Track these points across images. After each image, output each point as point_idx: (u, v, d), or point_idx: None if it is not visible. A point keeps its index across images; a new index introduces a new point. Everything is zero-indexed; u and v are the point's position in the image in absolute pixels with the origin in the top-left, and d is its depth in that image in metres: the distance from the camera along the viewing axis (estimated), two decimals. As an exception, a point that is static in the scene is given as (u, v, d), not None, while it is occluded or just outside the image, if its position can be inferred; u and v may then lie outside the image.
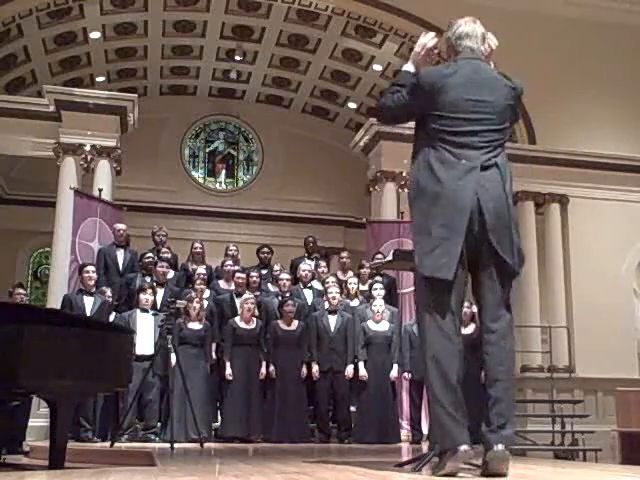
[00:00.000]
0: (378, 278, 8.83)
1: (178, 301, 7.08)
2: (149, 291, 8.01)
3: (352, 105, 15.18)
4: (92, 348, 4.39)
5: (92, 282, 8.07)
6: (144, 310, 7.93)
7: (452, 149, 3.16)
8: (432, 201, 3.13)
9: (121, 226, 9.30)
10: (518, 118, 3.44)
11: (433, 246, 3.09)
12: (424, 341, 3.12)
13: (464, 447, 2.94)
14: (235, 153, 16.42)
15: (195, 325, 7.80)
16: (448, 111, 3.18)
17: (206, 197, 15.76)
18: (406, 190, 12.00)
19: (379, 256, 8.72)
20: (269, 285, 9.11)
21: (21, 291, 7.93)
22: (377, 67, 13.74)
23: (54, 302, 9.49)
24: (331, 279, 8.55)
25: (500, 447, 2.95)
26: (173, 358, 6.89)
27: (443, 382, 3.02)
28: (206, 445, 6.82)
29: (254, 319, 8.07)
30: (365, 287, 8.99)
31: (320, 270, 9.22)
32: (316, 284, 9.02)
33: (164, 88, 15.37)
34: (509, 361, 3.12)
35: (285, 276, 8.75)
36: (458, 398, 3.02)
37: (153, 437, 7.64)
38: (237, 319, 8.04)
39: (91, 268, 8.21)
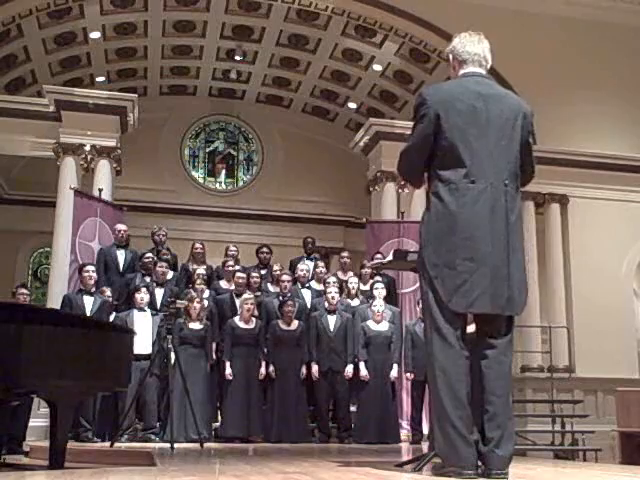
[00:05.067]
0: (378, 278, 8.83)
1: (178, 301, 7.09)
2: (143, 290, 8.02)
3: (352, 105, 15.18)
4: (92, 348, 4.40)
5: (92, 282, 8.06)
6: (141, 309, 7.94)
7: (459, 177, 3.11)
8: (447, 233, 3.07)
9: (122, 227, 9.30)
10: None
11: (462, 280, 3.05)
12: (431, 355, 3.09)
13: (470, 472, 2.93)
14: (235, 153, 16.42)
15: (196, 325, 7.80)
16: (456, 132, 3.12)
17: (206, 197, 15.77)
18: (406, 190, 12.08)
19: (379, 256, 8.72)
20: (269, 285, 9.11)
21: (24, 291, 7.93)
22: (377, 67, 13.74)
23: (54, 302, 9.49)
24: (332, 279, 8.55)
25: (499, 472, 2.96)
26: (173, 358, 6.89)
27: (452, 395, 2.99)
28: (206, 445, 6.82)
29: (253, 319, 8.07)
30: (366, 287, 8.99)
31: (318, 270, 9.21)
32: (315, 284, 9.02)
33: (164, 88, 15.37)
34: (507, 375, 3.11)
35: (286, 277, 8.74)
36: (467, 413, 2.99)
37: (153, 437, 7.63)
38: (236, 319, 8.03)
39: (91, 268, 8.21)
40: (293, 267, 9.52)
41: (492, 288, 3.05)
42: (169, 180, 15.42)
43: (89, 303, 7.91)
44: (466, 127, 3.13)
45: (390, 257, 4.16)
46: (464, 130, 3.13)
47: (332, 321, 8.17)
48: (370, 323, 8.15)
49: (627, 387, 9.41)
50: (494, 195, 3.09)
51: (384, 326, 8.16)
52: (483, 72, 3.31)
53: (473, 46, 3.30)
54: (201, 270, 8.68)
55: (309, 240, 10.15)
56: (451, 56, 3.36)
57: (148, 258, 8.87)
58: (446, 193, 3.11)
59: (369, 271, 9.15)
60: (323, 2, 12.28)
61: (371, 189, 12.83)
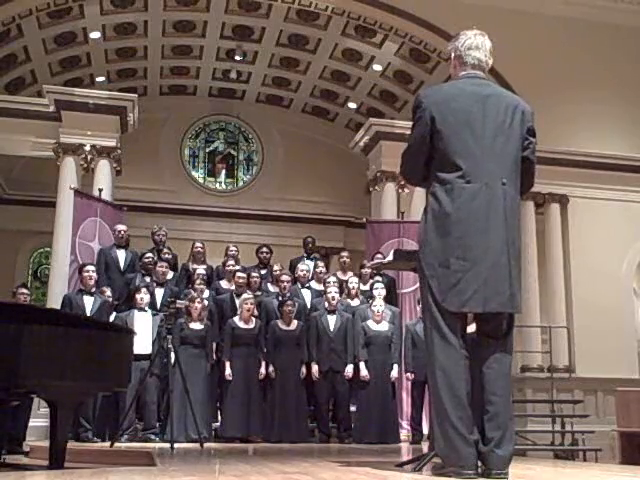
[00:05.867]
0: (378, 278, 8.83)
1: (178, 301, 7.09)
2: (144, 290, 8.03)
3: (352, 105, 15.18)
4: (92, 348, 4.39)
5: (92, 282, 8.07)
6: (141, 309, 7.94)
7: (455, 178, 3.12)
8: (443, 233, 3.09)
9: (121, 227, 9.30)
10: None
11: (456, 280, 3.06)
12: (432, 355, 3.10)
13: (469, 472, 2.94)
14: (235, 153, 16.42)
15: (196, 325, 7.80)
16: (452, 134, 3.14)
17: (206, 197, 15.77)
18: (406, 190, 12.08)
19: (379, 256, 8.71)
20: (269, 285, 9.12)
21: (24, 291, 7.92)
22: (377, 67, 13.74)
23: (54, 302, 9.49)
24: (332, 279, 8.55)
25: (499, 472, 2.96)
26: (173, 358, 6.89)
27: (452, 394, 2.99)
28: (206, 445, 6.82)
29: (253, 319, 8.07)
30: (366, 287, 8.99)
31: (318, 270, 9.21)
32: (315, 284, 9.02)
33: (164, 88, 15.37)
34: (508, 375, 3.12)
35: (286, 277, 8.75)
36: (467, 413, 2.99)
37: (153, 437, 7.64)
38: (236, 319, 8.03)
39: (91, 268, 8.21)
40: (293, 267, 9.52)
41: (488, 287, 3.05)
42: (169, 180, 15.42)
43: (89, 303, 7.92)
44: (462, 128, 3.14)
45: (390, 257, 4.16)
46: (460, 131, 3.14)
47: (332, 321, 8.17)
48: (370, 323, 8.15)
49: (627, 387, 9.40)
50: (490, 195, 3.10)
51: (384, 326, 8.16)
52: (482, 74, 3.32)
53: (476, 50, 3.32)
54: (201, 270, 8.69)
55: (309, 240, 10.15)
56: (453, 54, 3.37)
57: (148, 258, 8.88)
58: (443, 194, 3.13)
59: (369, 271, 9.15)
60: (323, 2, 12.27)
61: (371, 189, 12.82)
